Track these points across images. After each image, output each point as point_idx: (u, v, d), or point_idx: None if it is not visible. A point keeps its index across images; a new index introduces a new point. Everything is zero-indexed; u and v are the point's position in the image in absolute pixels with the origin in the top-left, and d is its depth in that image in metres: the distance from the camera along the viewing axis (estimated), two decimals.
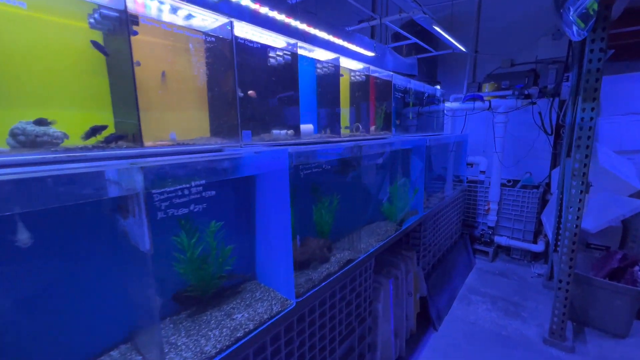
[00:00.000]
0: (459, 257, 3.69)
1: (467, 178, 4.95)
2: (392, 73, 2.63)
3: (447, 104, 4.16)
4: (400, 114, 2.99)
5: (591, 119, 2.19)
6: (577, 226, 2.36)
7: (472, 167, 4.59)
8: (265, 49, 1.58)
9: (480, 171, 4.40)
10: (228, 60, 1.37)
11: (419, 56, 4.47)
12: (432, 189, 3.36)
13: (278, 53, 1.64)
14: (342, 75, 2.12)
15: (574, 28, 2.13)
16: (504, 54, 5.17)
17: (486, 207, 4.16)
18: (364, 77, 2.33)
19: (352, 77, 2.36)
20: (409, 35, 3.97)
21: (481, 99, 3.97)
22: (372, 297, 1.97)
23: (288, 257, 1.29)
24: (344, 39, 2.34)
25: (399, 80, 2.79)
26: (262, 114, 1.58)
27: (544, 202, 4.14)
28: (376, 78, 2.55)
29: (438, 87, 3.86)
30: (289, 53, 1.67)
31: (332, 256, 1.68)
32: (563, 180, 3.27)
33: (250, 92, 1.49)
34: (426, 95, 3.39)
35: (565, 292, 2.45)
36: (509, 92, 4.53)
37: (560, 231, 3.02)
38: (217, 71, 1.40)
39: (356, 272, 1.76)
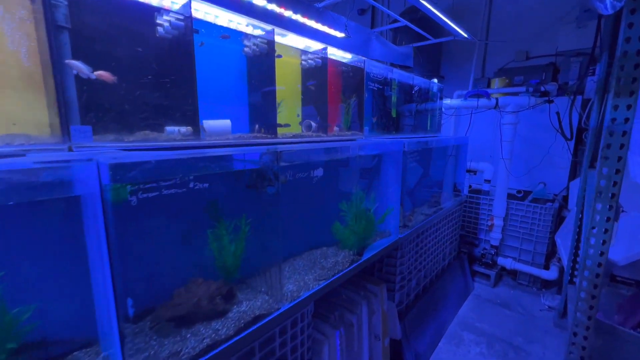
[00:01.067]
0: (452, 282, 3.11)
1: (470, 187, 4.33)
2: (364, 59, 2.08)
3: (447, 101, 3.57)
4: (382, 110, 2.45)
5: (626, 120, 1.59)
6: (600, 264, 1.77)
7: (475, 174, 3.98)
8: (139, 8, 1.08)
9: (485, 180, 3.79)
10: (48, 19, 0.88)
11: (417, 44, 3.87)
12: (420, 201, 2.79)
13: (165, 17, 1.14)
14: (280, 56, 1.60)
15: None
16: (519, 46, 4.51)
17: (489, 223, 3.55)
18: (319, 60, 1.81)
19: (305, 61, 1.83)
20: (408, 23, 3.40)
21: (487, 95, 3.36)
22: (310, 356, 1.46)
23: (111, 313, 0.80)
24: (297, 12, 1.82)
25: (377, 69, 2.25)
26: (130, 103, 1.08)
27: (559, 220, 3.49)
28: (341, 64, 2.02)
29: (435, 80, 3.28)
30: (181, 17, 1.16)
31: (232, 307, 1.18)
32: (584, 195, 2.64)
33: (100, 72, 0.99)
34: (417, 89, 2.82)
35: (581, 348, 1.87)
36: (522, 88, 3.89)
37: (579, 260, 2.41)
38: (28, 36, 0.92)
39: (275, 330, 1.24)
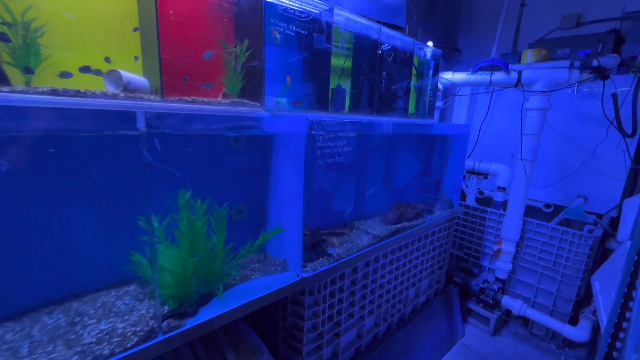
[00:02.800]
0: (429, 326, 2.23)
1: (480, 193, 3.31)
2: None
3: (446, 75, 2.58)
4: (315, 75, 1.60)
5: None
6: None
7: (485, 178, 2.97)
8: None
9: (498, 187, 2.78)
10: None
11: None
12: (376, 212, 1.92)
13: None
14: None
15: None
16: (567, 7, 3.32)
17: (495, 247, 2.57)
18: None
19: None
20: None
21: (504, 67, 2.34)
22: None
23: None
24: None
25: (299, 2, 1.39)
26: None
27: (601, 254, 2.43)
28: None
29: (430, 44, 2.31)
30: None
31: None
32: None
33: None
34: (387, 49, 1.90)
35: None
36: (565, 63, 2.79)
37: (631, 325, 1.48)
38: None
39: None
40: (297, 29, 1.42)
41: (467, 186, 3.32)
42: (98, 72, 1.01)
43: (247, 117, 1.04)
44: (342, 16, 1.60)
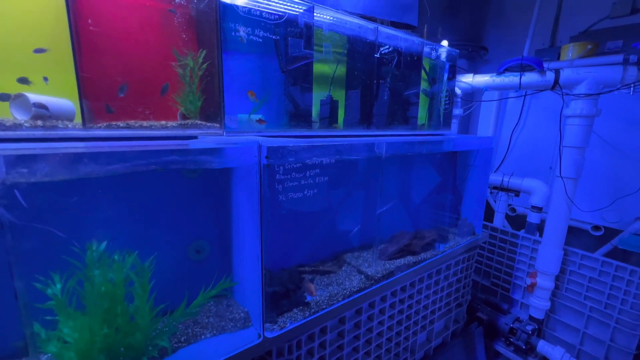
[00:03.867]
0: None
1: (511, 209, 2.89)
2: None
3: (466, 79, 2.21)
4: (295, 86, 1.36)
5: None
6: None
7: (517, 196, 2.55)
8: None
9: (533, 206, 2.36)
10: None
11: None
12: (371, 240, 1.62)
13: None
14: None
15: None
16: None
17: (529, 281, 2.15)
18: None
19: None
20: None
21: (536, 66, 1.94)
22: None
23: None
24: None
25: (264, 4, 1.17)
26: None
27: None
28: None
29: (445, 43, 1.99)
30: None
31: None
32: None
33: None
34: (387, 51, 1.61)
35: None
36: (618, 57, 2.33)
37: None
38: None
39: None
40: (265, 34, 1.19)
41: (495, 201, 2.89)
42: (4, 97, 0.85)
43: (176, 149, 0.82)
44: (326, 16, 1.35)
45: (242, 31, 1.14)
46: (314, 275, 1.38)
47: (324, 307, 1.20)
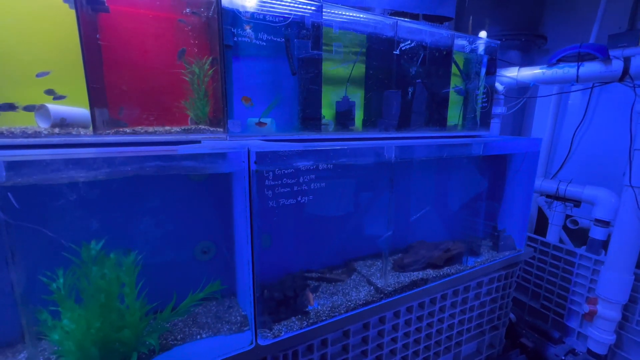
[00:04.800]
0: None
1: (571, 221, 2.51)
2: None
3: (509, 73, 1.95)
4: (303, 88, 1.34)
5: None
6: None
7: (577, 207, 2.19)
8: None
9: (596, 220, 2.01)
10: None
11: None
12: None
13: None
14: None
15: None
16: None
17: (587, 308, 1.82)
18: None
19: None
20: None
21: (600, 54, 1.63)
22: None
23: None
24: None
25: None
26: None
27: None
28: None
29: (484, 35, 1.79)
30: None
31: None
32: None
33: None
34: (406, 44, 1.49)
35: None
36: None
37: None
38: None
39: None
40: (270, 37, 1.18)
41: (552, 210, 2.52)
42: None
43: (163, 155, 0.84)
44: (336, 15, 1.30)
45: (246, 36, 1.15)
46: (320, 283, 1.34)
47: (324, 318, 1.14)
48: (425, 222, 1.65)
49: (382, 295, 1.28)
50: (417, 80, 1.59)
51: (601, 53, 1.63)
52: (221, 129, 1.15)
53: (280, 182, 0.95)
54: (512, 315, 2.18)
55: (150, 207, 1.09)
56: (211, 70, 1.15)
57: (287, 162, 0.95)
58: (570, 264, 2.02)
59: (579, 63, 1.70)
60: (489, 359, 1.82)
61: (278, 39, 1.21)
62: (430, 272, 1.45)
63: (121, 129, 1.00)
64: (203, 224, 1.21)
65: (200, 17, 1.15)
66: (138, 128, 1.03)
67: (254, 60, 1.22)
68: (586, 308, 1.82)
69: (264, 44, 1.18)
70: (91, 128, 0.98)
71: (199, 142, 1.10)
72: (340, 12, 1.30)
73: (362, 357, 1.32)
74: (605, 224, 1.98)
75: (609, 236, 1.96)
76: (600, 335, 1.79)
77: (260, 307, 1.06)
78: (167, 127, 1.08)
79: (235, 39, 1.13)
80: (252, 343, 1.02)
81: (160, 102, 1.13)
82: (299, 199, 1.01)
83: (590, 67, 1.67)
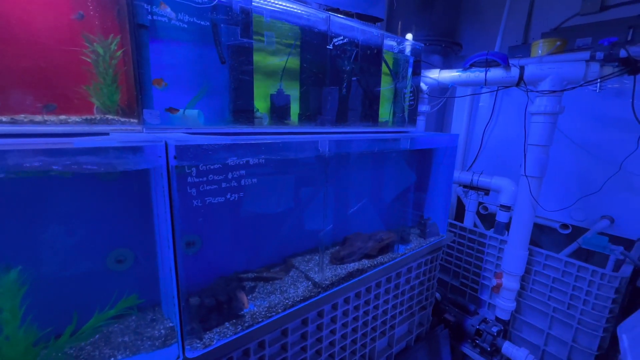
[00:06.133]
0: None
1: (483, 208, 2.86)
2: None
3: (431, 74, 2.14)
4: (233, 78, 1.25)
5: None
6: None
7: (487, 194, 2.51)
8: None
9: (501, 205, 2.32)
10: None
11: None
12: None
13: None
14: None
15: None
16: None
17: (494, 282, 2.11)
18: None
19: None
20: None
21: (502, 62, 1.88)
22: None
23: None
24: None
25: None
26: None
27: (632, 296, 1.92)
28: None
29: (409, 37, 1.91)
30: None
31: None
32: None
33: None
34: (339, 40, 1.51)
35: None
36: (585, 54, 2.31)
37: None
38: None
39: None
40: (192, 19, 1.07)
41: (468, 199, 2.85)
42: None
43: (54, 149, 0.70)
44: (267, 2, 1.24)
45: (164, 15, 1.02)
46: (257, 283, 1.28)
47: (260, 319, 1.10)
48: (360, 214, 1.71)
49: (319, 290, 1.28)
50: (352, 77, 1.62)
51: (503, 60, 1.88)
52: (135, 120, 1.01)
53: (205, 178, 0.87)
54: (437, 294, 2.42)
55: (48, 212, 0.90)
56: (119, 52, 0.99)
57: (213, 156, 0.87)
58: (482, 244, 2.32)
59: (487, 68, 1.93)
60: (418, 337, 1.98)
61: (202, 23, 1.10)
62: (366, 262, 1.51)
63: None
64: (117, 230, 1.05)
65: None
66: (20, 116, 0.84)
67: (176, 44, 1.10)
68: (494, 282, 2.11)
69: (186, 26, 1.06)
70: None
71: (107, 134, 0.95)
72: (271, 0, 1.25)
73: (302, 353, 1.31)
74: (508, 208, 2.31)
75: (510, 219, 2.30)
76: (504, 304, 2.09)
77: (188, 316, 0.97)
78: (63, 117, 0.90)
79: (151, 16, 0.99)
80: (178, 357, 0.93)
81: (52, 85, 0.93)
82: (228, 196, 0.94)
83: (495, 73, 1.91)
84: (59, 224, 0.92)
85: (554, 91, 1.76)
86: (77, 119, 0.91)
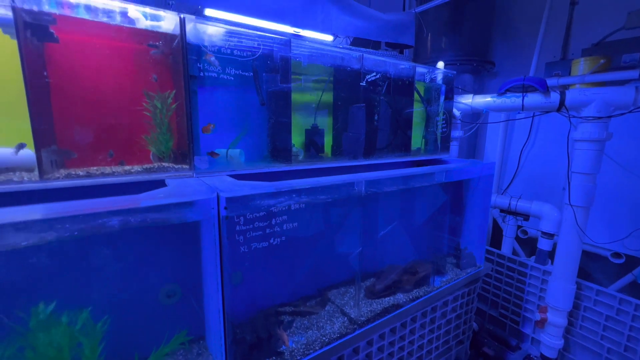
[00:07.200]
0: None
1: (522, 231, 2.73)
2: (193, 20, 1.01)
3: (464, 100, 2.11)
4: (273, 121, 1.32)
5: None
6: None
7: (526, 220, 2.39)
8: None
9: (543, 233, 2.20)
10: None
11: (428, 5, 2.47)
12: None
13: None
14: None
15: None
16: (635, 1, 2.65)
17: (538, 317, 1.99)
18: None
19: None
20: None
21: (539, 87, 1.82)
22: None
23: None
24: None
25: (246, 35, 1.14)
26: None
27: None
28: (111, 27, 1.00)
29: (441, 65, 1.91)
30: None
31: None
32: None
33: None
34: (371, 76, 1.55)
35: None
36: (634, 73, 2.20)
37: None
38: None
39: None
40: (238, 72, 1.16)
41: (506, 224, 2.73)
42: None
43: (123, 210, 0.78)
44: (304, 47, 1.31)
45: (213, 70, 1.12)
46: (294, 317, 1.31)
47: (299, 357, 1.12)
48: (395, 245, 1.69)
49: (355, 326, 1.29)
50: (384, 109, 1.65)
51: (541, 86, 1.82)
52: (187, 166, 1.10)
53: (251, 226, 0.93)
54: (474, 324, 2.31)
55: (110, 255, 0.99)
56: (175, 105, 1.09)
57: (259, 204, 0.92)
58: (523, 274, 2.20)
59: (524, 94, 1.87)
60: None
61: (246, 74, 1.19)
62: (401, 297, 1.49)
63: (73, 172, 0.91)
64: (167, 266, 1.13)
65: (162, 51, 1.09)
66: (93, 169, 0.95)
67: (220, 92, 1.19)
68: (537, 316, 1.98)
69: (232, 78, 1.15)
70: (37, 172, 0.88)
71: (163, 182, 1.04)
72: (308, 46, 1.32)
73: None
74: (550, 236, 2.19)
75: (554, 246, 2.17)
76: (550, 341, 1.95)
77: (232, 353, 1.01)
78: (127, 167, 1.00)
79: (202, 73, 1.09)
80: None
81: (118, 139, 1.05)
82: (272, 241, 0.98)
83: (533, 98, 1.85)
84: (117, 264, 1.01)
85: (600, 117, 1.67)
86: (139, 169, 1.01)
